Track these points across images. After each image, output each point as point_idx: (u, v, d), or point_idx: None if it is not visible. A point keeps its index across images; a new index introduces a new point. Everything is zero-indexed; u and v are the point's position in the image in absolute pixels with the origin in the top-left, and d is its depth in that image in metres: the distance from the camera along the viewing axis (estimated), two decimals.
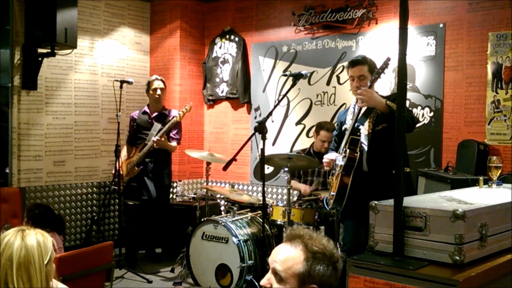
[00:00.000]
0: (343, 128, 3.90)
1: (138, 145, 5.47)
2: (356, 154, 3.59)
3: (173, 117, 5.31)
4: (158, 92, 5.44)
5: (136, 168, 5.37)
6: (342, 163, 3.62)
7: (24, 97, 5.41)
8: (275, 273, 1.72)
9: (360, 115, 3.65)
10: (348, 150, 3.60)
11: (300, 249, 1.72)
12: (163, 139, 5.18)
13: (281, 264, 1.71)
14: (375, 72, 3.57)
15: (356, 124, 3.62)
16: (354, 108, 3.87)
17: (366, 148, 3.67)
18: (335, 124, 4.30)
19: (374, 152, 3.66)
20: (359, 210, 3.61)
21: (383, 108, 3.49)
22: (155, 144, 5.17)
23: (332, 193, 3.72)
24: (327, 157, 3.87)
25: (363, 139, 3.67)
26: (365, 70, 3.80)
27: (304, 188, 4.99)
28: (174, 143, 5.40)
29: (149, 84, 5.53)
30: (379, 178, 3.59)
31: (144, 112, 5.53)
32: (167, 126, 5.19)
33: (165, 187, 5.56)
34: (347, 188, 3.60)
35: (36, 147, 5.54)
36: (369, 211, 3.61)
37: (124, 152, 5.66)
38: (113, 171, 5.55)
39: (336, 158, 3.77)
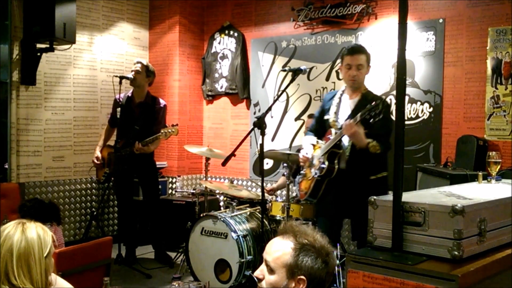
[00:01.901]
0: (324, 117, 3.94)
1: (117, 130, 5.34)
2: (335, 167, 3.71)
3: (159, 106, 5.29)
4: (131, 73, 5.25)
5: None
6: (318, 172, 3.73)
7: (23, 93, 5.41)
8: (267, 264, 1.79)
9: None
10: (327, 163, 3.70)
11: (290, 240, 1.78)
12: (145, 148, 5.08)
13: (271, 254, 1.79)
14: (368, 113, 3.43)
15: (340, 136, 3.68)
16: (340, 99, 3.91)
17: (347, 147, 3.72)
18: (320, 106, 4.33)
19: (354, 157, 3.74)
20: (331, 207, 3.77)
21: (362, 147, 3.58)
22: (135, 151, 5.07)
23: (305, 191, 3.88)
24: (304, 155, 3.94)
25: (345, 141, 3.74)
26: (364, 59, 3.78)
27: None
28: (152, 147, 5.21)
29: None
30: (356, 179, 3.72)
31: (129, 98, 5.35)
32: (150, 138, 5.05)
33: (153, 185, 5.49)
34: (320, 191, 3.78)
35: (35, 143, 5.54)
36: (343, 208, 3.81)
37: (102, 135, 5.59)
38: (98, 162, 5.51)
39: (312, 157, 3.88)
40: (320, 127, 4.00)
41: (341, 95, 3.91)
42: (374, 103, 3.41)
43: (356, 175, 3.69)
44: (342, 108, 3.85)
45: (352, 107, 3.81)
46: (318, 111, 4.15)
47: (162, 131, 5.03)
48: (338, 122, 3.81)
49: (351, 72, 3.74)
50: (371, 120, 3.42)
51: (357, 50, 3.80)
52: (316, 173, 3.74)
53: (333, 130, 3.79)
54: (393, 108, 5.00)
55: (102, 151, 5.46)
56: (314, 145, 4.01)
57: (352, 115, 3.70)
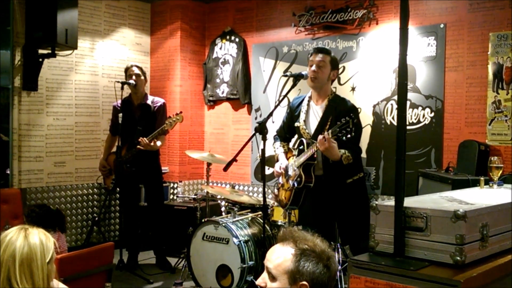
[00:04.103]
0: (295, 124, 4.06)
1: (120, 135, 5.27)
2: (312, 179, 3.81)
3: (159, 104, 5.32)
4: (133, 78, 5.26)
5: (125, 167, 5.22)
6: (296, 184, 3.84)
7: (24, 98, 5.41)
8: (268, 271, 1.79)
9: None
10: (304, 176, 3.79)
11: (290, 246, 1.78)
12: (152, 143, 5.06)
13: (272, 262, 1.78)
14: (339, 132, 3.51)
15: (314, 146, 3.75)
16: (308, 105, 4.00)
17: (320, 154, 3.78)
18: (287, 111, 4.41)
19: (329, 163, 3.82)
20: (312, 214, 3.87)
21: (335, 160, 3.68)
22: (142, 147, 5.05)
23: (285, 202, 4.02)
24: (277, 170, 4.10)
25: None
26: (327, 59, 3.92)
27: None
28: (159, 143, 5.20)
29: (126, 71, 5.37)
30: (333, 184, 3.81)
31: (127, 101, 5.35)
32: (156, 131, 5.04)
33: (158, 189, 5.49)
34: (301, 199, 3.92)
35: (37, 148, 5.54)
36: (324, 213, 3.91)
37: (104, 144, 5.66)
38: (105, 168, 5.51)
39: (286, 167, 4.00)
40: (288, 133, 4.18)
41: (309, 101, 3.99)
42: (344, 120, 3.47)
43: (333, 180, 3.77)
44: (311, 115, 3.96)
45: (320, 114, 3.92)
46: (285, 116, 4.26)
47: (166, 122, 5.05)
48: (308, 130, 3.94)
49: (312, 69, 3.85)
50: (344, 138, 3.50)
51: (321, 50, 3.98)
52: (294, 184, 3.81)
53: (304, 140, 3.88)
54: (394, 113, 5.02)
55: (108, 158, 5.46)
56: (286, 152, 4.13)
57: (320, 123, 3.80)
